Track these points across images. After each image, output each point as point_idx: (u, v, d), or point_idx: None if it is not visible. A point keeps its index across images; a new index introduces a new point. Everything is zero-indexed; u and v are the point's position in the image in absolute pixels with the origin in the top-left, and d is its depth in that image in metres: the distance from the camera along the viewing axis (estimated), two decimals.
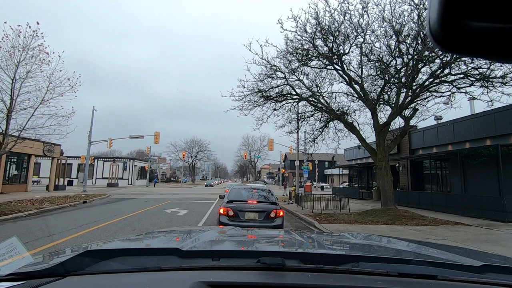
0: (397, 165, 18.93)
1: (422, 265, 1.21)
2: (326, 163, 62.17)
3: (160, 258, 1.25)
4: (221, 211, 7.07)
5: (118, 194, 24.35)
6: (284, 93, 13.27)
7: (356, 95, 12.83)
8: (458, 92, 10.68)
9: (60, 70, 13.91)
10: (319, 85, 13.64)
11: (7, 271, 1.06)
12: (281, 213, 7.16)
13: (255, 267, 1.11)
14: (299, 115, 14.15)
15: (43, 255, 1.60)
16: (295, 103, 14.46)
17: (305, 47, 11.55)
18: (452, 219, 10.89)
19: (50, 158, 26.20)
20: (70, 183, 38.85)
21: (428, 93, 11.38)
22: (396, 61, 11.08)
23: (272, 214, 6.99)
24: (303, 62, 11.76)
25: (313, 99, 13.34)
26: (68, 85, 14.05)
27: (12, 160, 22.77)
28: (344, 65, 11.69)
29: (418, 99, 11.24)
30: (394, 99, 11.80)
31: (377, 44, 11.40)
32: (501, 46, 0.41)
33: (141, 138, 29.56)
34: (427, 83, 10.63)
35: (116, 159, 46.61)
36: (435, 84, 10.76)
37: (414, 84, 10.65)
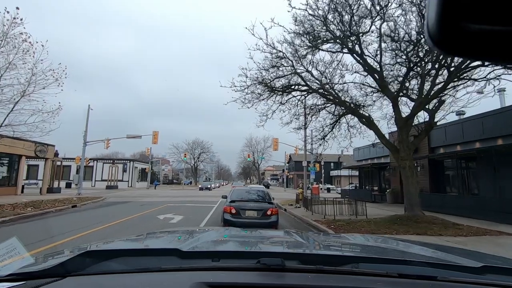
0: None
1: (422, 266, 1.20)
2: (332, 164, 60.48)
3: (161, 258, 1.24)
4: (225, 209, 7.91)
5: (114, 197, 22.99)
6: (292, 83, 11.77)
7: (373, 86, 11.29)
8: (498, 78, 9.04)
9: (42, 60, 12.56)
10: (328, 78, 12.14)
11: (7, 271, 1.06)
12: (276, 211, 8.04)
13: (255, 268, 1.10)
14: (308, 109, 12.63)
15: (43, 256, 1.49)
16: (303, 97, 12.97)
17: (317, 28, 10.03)
18: (490, 228, 9.27)
19: (43, 159, 24.93)
20: (69, 185, 37.53)
21: (460, 81, 9.76)
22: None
23: (269, 212, 7.83)
24: (314, 45, 10.20)
25: (324, 91, 11.84)
26: (51, 77, 12.72)
27: (1, 161, 21.54)
28: (363, 49, 10.03)
29: (451, 85, 9.61)
30: (427, 86, 10.08)
31: (401, 22, 9.74)
32: (499, 48, 0.41)
33: (138, 138, 28.22)
34: (463, 66, 8.95)
35: (115, 161, 45.32)
36: (472, 67, 9.09)
37: (451, 65, 8.95)
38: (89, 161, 31.27)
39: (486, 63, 8.10)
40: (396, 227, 8.93)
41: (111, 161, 44.76)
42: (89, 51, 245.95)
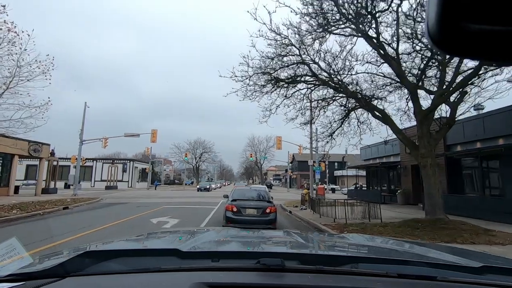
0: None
1: (421, 266, 1.19)
2: (336, 164, 59.24)
3: (160, 259, 1.24)
4: (227, 207, 8.42)
5: (111, 198, 22.06)
6: (298, 74, 10.71)
7: (388, 76, 10.20)
8: None
9: (27, 51, 11.62)
10: (336, 70, 11.08)
11: (6, 272, 1.05)
12: (274, 209, 8.50)
13: (254, 268, 1.10)
14: (316, 102, 11.56)
15: (43, 256, 1.48)
16: (310, 90, 11.91)
17: (327, 9, 8.96)
18: None
19: (38, 159, 24.07)
20: (67, 186, 36.70)
21: (490, 67, 8.64)
22: None
23: (268, 210, 8.27)
24: (324, 28, 9.11)
25: (332, 83, 10.79)
26: (37, 69, 11.77)
27: None
28: (379, 31, 8.89)
29: (481, 72, 8.50)
30: (450, 74, 9.01)
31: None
32: (499, 48, 0.41)
33: (136, 136, 27.29)
34: None
35: (115, 161, 44.42)
36: None
37: None
38: (86, 160, 30.35)
39: None
40: (418, 233, 7.84)
41: (111, 161, 43.88)
42: (91, 52, 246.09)
